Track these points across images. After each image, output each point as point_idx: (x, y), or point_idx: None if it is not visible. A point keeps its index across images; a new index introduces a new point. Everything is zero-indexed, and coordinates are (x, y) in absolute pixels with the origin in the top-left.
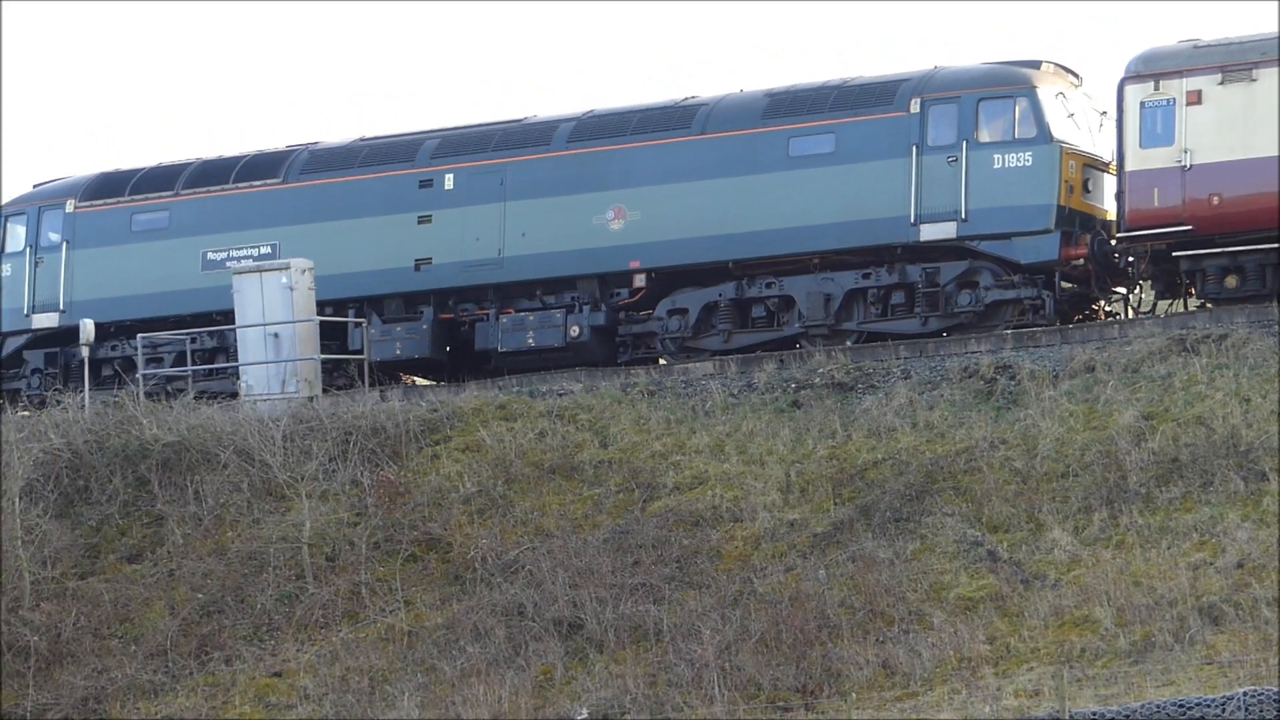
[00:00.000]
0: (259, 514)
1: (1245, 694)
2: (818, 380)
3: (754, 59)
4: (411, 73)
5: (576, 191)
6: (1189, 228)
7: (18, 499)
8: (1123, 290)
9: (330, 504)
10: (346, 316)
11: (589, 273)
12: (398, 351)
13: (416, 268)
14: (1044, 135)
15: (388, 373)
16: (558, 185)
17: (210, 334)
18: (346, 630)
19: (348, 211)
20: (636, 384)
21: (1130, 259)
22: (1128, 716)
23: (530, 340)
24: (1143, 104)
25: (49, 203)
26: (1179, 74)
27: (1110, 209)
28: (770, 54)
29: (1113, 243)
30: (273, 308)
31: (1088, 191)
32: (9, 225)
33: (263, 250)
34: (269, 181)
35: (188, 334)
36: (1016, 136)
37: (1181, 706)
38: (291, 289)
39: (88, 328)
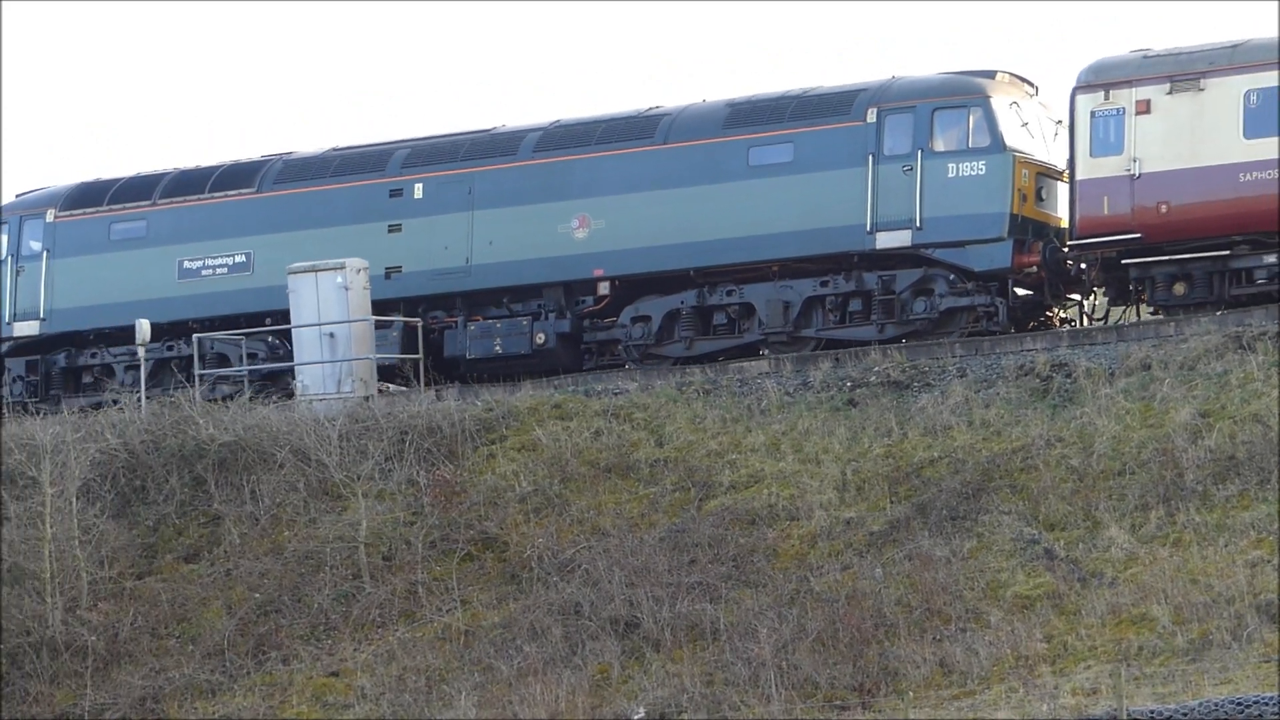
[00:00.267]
0: (315, 513)
1: None
2: (873, 379)
3: (754, 59)
4: (411, 73)
5: (542, 200)
6: (1138, 235)
7: (75, 499)
8: (1076, 297)
9: (386, 503)
10: (237, 333)
11: (554, 281)
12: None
13: (387, 276)
14: (997, 144)
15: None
16: (524, 194)
17: (271, 334)
18: (403, 629)
19: (320, 221)
20: (692, 382)
21: (1082, 266)
22: (1185, 715)
23: (498, 347)
24: (1093, 113)
25: (30, 212)
26: (1128, 84)
27: (1064, 217)
28: (770, 54)
29: (1065, 250)
30: (328, 307)
31: (1041, 200)
32: None
33: (237, 259)
34: (243, 191)
35: (242, 334)
36: (970, 146)
37: (1239, 705)
38: (346, 288)
39: (143, 328)
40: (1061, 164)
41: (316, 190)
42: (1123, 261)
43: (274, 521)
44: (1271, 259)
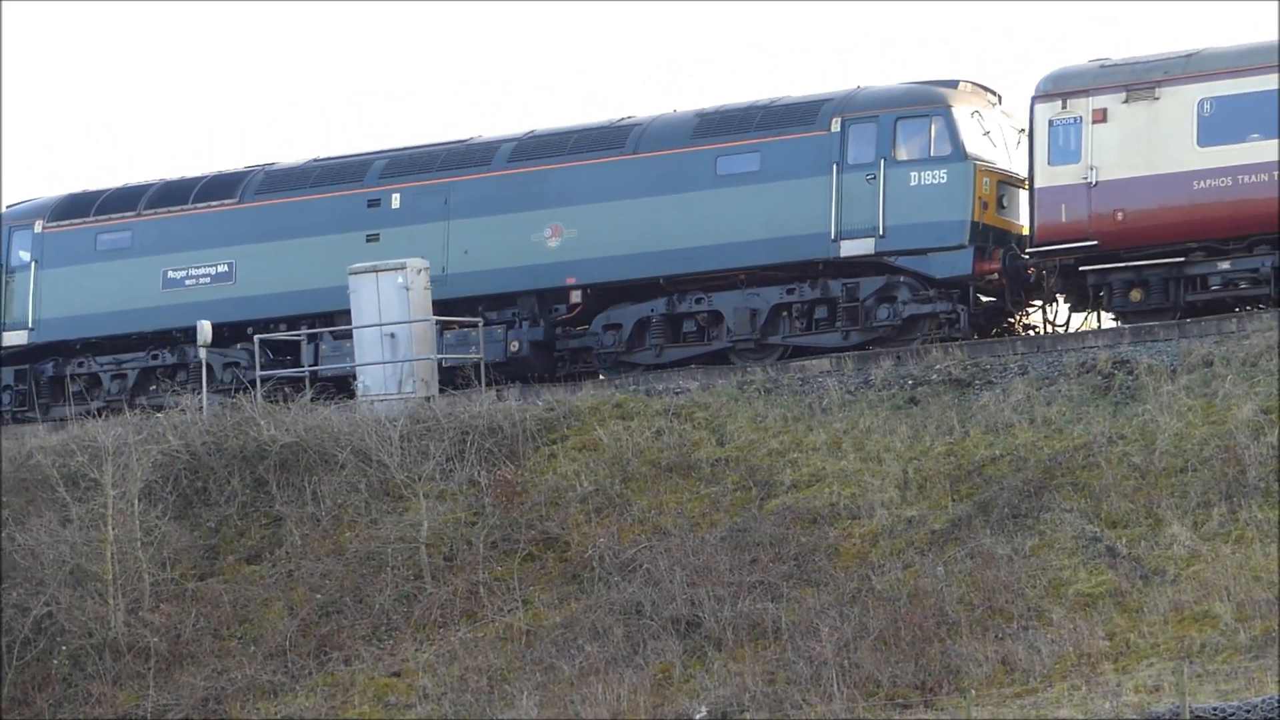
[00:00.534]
0: (377, 514)
1: None
2: (935, 377)
3: (754, 59)
4: (411, 73)
5: (516, 210)
6: (1095, 243)
7: (137, 501)
8: (1038, 303)
9: (448, 504)
10: (299, 333)
11: (528, 289)
12: (349, 365)
13: None
14: (958, 153)
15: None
16: (498, 204)
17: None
18: (465, 630)
19: (301, 231)
20: (753, 381)
21: (1041, 273)
22: (1248, 712)
23: (473, 355)
24: (1051, 122)
25: (19, 223)
26: (1085, 93)
27: (1026, 224)
28: (770, 54)
29: (1025, 257)
30: (389, 307)
31: (1002, 207)
32: None
33: (219, 269)
34: (226, 202)
35: (306, 334)
36: (932, 154)
37: None
38: (407, 288)
39: (205, 329)
40: (1023, 172)
41: (297, 201)
42: (1080, 269)
43: (335, 522)
44: (1225, 265)
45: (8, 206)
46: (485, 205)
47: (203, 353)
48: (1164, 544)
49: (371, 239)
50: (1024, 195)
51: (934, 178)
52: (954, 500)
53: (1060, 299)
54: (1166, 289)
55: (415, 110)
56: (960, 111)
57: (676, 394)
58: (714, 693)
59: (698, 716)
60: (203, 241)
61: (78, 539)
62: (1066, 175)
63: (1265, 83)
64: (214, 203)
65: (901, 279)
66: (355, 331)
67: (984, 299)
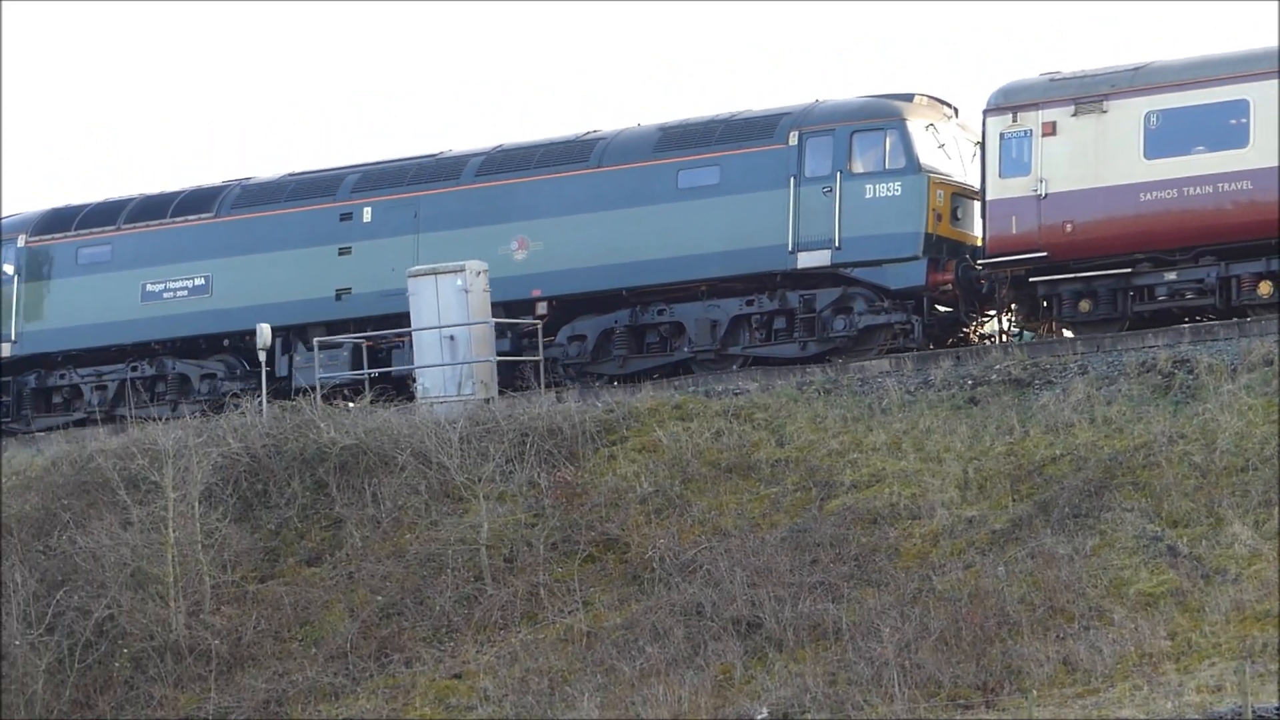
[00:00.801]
0: (437, 516)
1: None
2: (994, 376)
3: (754, 59)
4: (411, 73)
5: (484, 223)
6: (1045, 254)
7: (197, 503)
8: (992, 314)
9: (508, 505)
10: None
11: (495, 301)
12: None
13: (338, 297)
14: (912, 166)
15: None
16: (466, 217)
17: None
18: (525, 631)
19: (275, 244)
20: (812, 382)
21: (993, 284)
22: None
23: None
24: (1002, 135)
25: (3, 238)
26: (1035, 106)
27: (979, 236)
28: (770, 54)
29: (977, 269)
30: (448, 310)
31: (957, 219)
32: None
33: (196, 282)
34: (203, 216)
35: (368, 337)
36: (887, 167)
37: None
38: (466, 291)
39: (264, 332)
40: (978, 184)
41: (272, 215)
42: (1031, 279)
43: (395, 524)
44: (1172, 276)
45: None
46: (454, 218)
47: (262, 355)
48: (1225, 543)
49: (344, 252)
50: (979, 207)
51: (888, 190)
52: (1014, 500)
53: (1013, 309)
54: (1115, 299)
55: (415, 111)
56: (915, 125)
57: (736, 395)
58: (775, 694)
59: (759, 717)
60: (180, 255)
61: (139, 542)
62: (1017, 187)
63: (1209, 96)
64: (191, 217)
65: (858, 290)
66: (414, 334)
67: (941, 309)
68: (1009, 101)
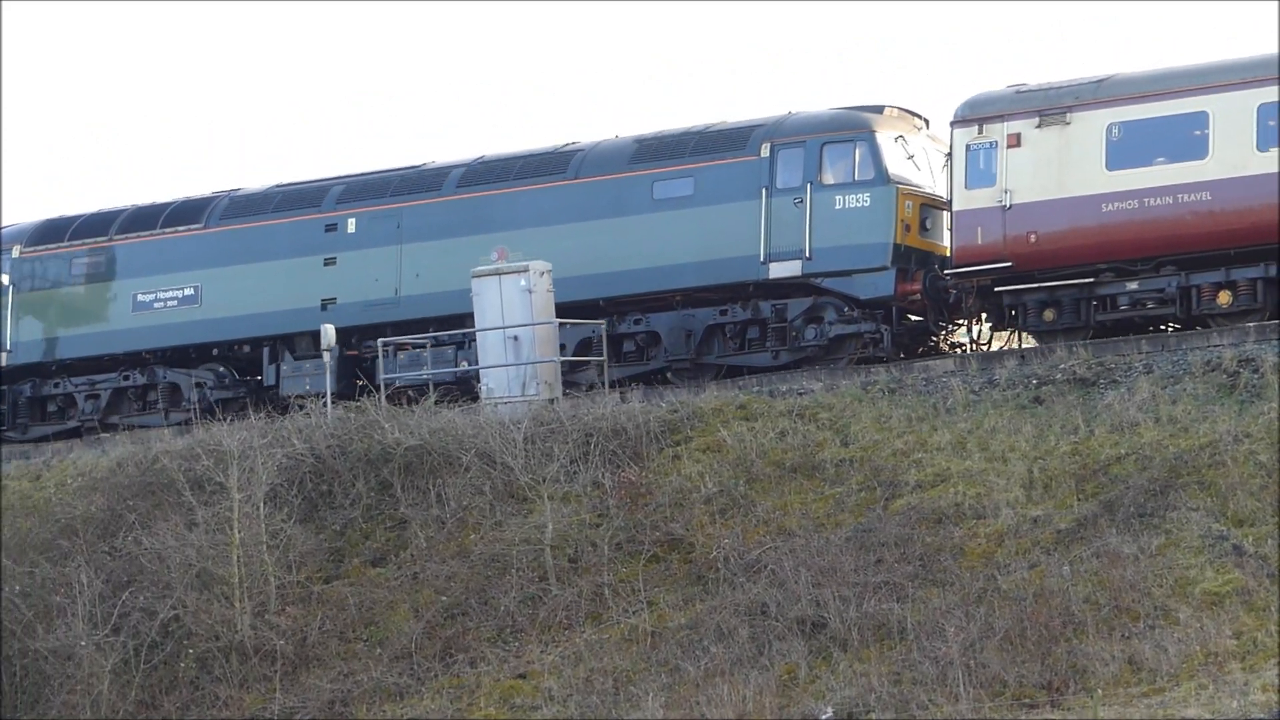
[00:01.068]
0: (501, 516)
1: None
2: (1059, 376)
3: (754, 59)
4: (411, 73)
5: (465, 234)
6: (1009, 264)
7: (262, 504)
8: (961, 323)
9: (572, 505)
10: (260, 354)
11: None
12: (308, 386)
13: (323, 307)
14: (881, 177)
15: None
16: (448, 228)
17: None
18: (590, 631)
19: (262, 254)
20: (877, 382)
21: (961, 294)
22: None
23: (425, 375)
24: (969, 146)
25: None
26: (1000, 118)
27: (948, 246)
28: (770, 54)
29: (944, 278)
30: (511, 310)
31: (926, 230)
32: None
33: (186, 292)
34: (192, 227)
35: (420, 338)
36: (856, 178)
37: None
38: (530, 291)
39: (329, 332)
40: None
41: (259, 226)
42: (996, 289)
43: (460, 524)
44: (1134, 285)
45: None
46: (436, 229)
47: (326, 357)
48: None
49: (329, 262)
50: (947, 217)
51: (858, 201)
52: (1079, 499)
53: (982, 318)
54: (1079, 309)
55: (414, 111)
56: (884, 137)
57: (800, 395)
58: (839, 693)
59: (824, 717)
60: (170, 265)
61: (204, 542)
62: (983, 198)
63: (1170, 108)
64: (181, 228)
65: (828, 300)
66: (479, 334)
67: (911, 318)
68: (975, 113)
